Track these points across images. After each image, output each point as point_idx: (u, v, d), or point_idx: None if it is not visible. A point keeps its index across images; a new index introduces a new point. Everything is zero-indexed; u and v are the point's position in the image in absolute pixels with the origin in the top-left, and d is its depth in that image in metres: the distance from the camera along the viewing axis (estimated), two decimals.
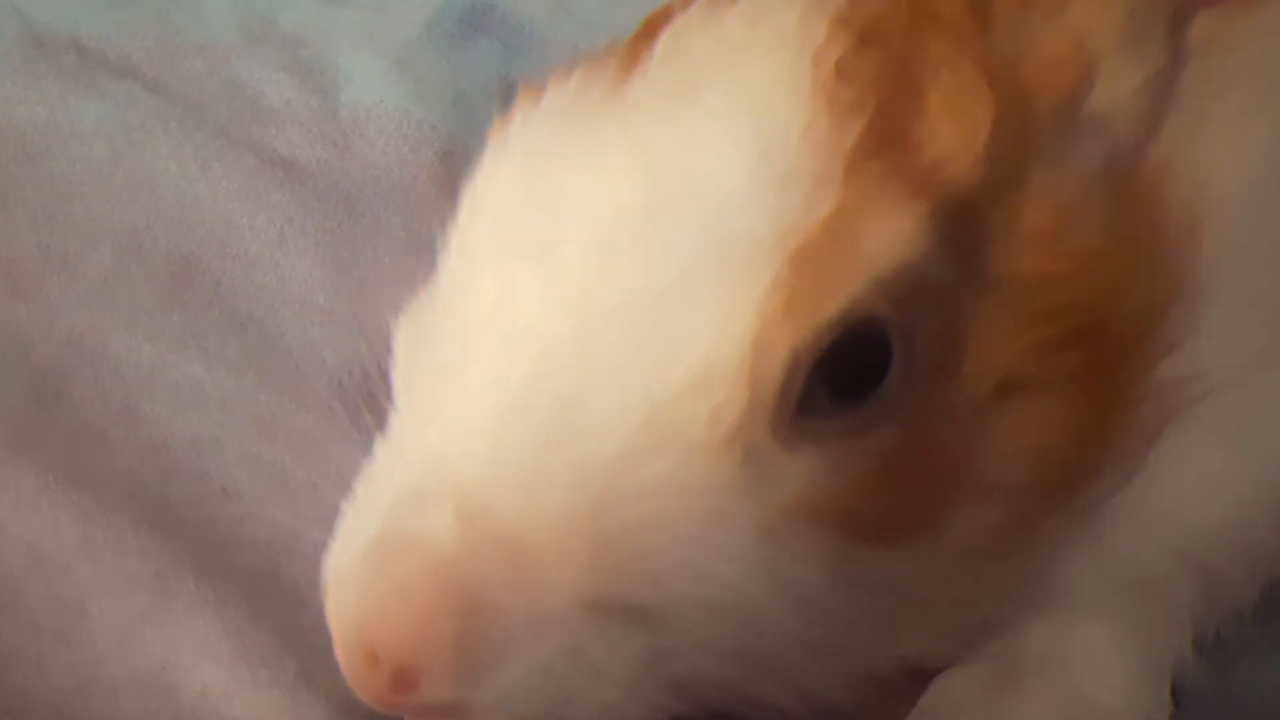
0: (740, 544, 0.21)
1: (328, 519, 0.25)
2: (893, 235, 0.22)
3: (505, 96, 0.41)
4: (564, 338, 0.22)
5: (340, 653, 0.22)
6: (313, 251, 0.33)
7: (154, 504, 0.27)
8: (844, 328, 0.21)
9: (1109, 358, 0.24)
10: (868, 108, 0.22)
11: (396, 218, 0.35)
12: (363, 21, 0.41)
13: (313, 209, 0.34)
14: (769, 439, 0.21)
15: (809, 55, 0.23)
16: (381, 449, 0.24)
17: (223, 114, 0.36)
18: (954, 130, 0.23)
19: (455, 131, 0.37)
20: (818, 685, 0.23)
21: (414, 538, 0.21)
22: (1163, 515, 0.25)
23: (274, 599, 0.26)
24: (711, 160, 0.22)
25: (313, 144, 0.36)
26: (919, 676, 0.25)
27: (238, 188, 0.34)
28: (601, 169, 0.23)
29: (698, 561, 0.21)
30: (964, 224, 0.23)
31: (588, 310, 0.22)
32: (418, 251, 0.34)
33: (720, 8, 0.24)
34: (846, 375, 0.22)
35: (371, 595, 0.21)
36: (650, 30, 0.25)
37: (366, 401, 0.30)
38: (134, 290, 0.31)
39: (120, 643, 0.24)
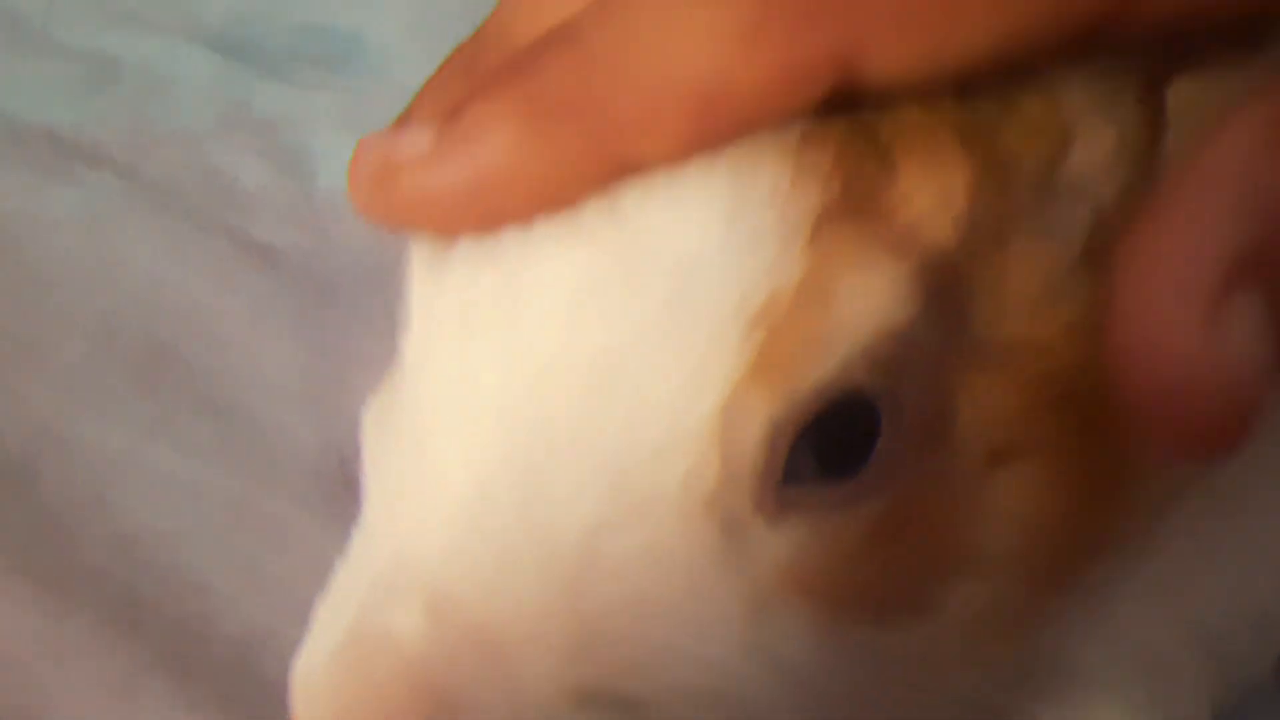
0: (725, 620, 0.20)
1: (302, 614, 0.24)
2: (873, 296, 0.21)
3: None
4: (525, 411, 0.21)
5: None
6: (289, 335, 0.33)
7: (123, 600, 0.26)
8: (829, 398, 0.21)
9: (1104, 426, 0.23)
10: (837, 171, 0.22)
11: (375, 300, 0.34)
12: (337, 105, 0.41)
13: (289, 293, 0.34)
14: (751, 510, 0.21)
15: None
16: (357, 541, 0.23)
17: (197, 200, 0.36)
18: (930, 192, 0.22)
19: None
20: None
21: (383, 636, 0.20)
22: (1172, 589, 0.25)
23: (245, 697, 0.25)
24: (679, 225, 0.22)
25: (289, 229, 0.36)
26: None
27: (211, 273, 0.34)
28: (564, 235, 0.22)
29: (681, 641, 0.20)
30: (947, 286, 0.22)
31: (550, 381, 0.21)
32: (396, 336, 0.34)
33: None
34: (833, 445, 0.21)
35: (339, 696, 0.20)
36: None
37: (345, 490, 0.30)
38: (105, 378, 0.31)
39: None
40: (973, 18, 0.20)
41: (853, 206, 0.22)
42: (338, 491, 0.30)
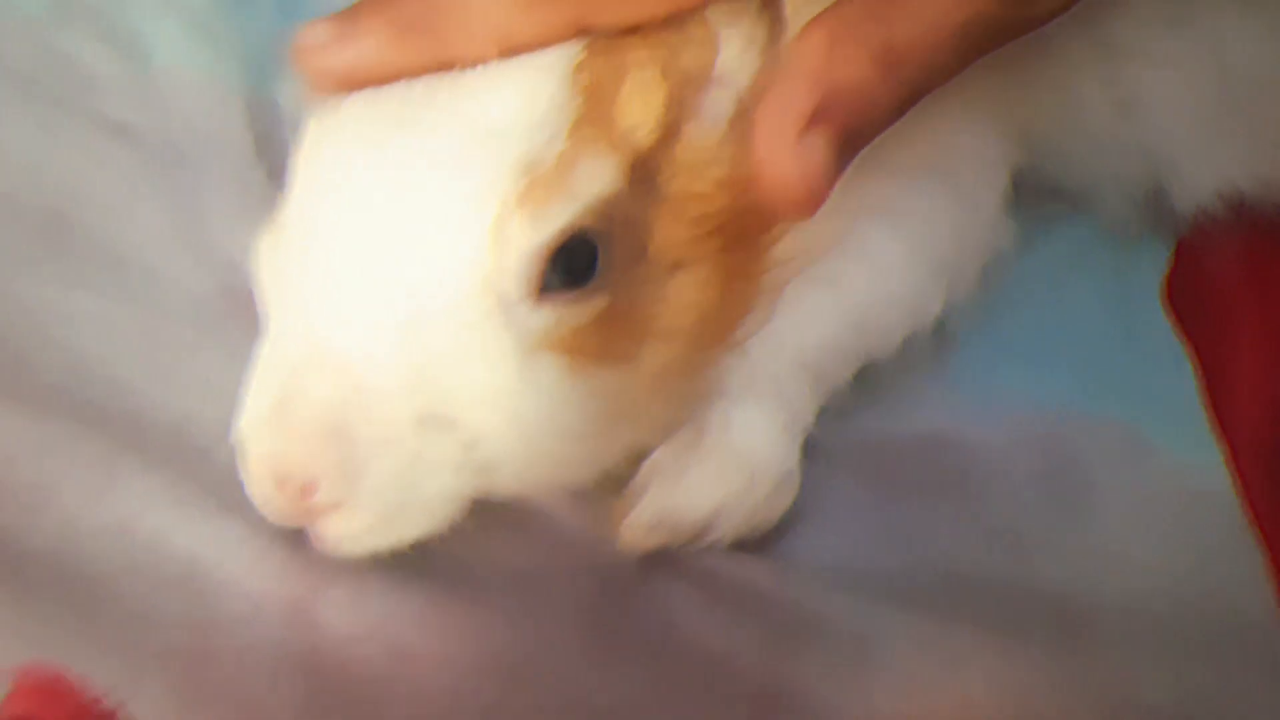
0: (505, 362, 0.32)
1: (213, 401, 0.35)
2: (599, 174, 0.33)
3: (285, 48, 0.49)
4: (387, 235, 0.32)
5: (255, 483, 0.33)
6: (155, 197, 0.41)
7: (84, 406, 0.36)
8: (567, 234, 0.33)
9: (740, 244, 0.36)
10: (590, 90, 0.33)
11: (218, 164, 0.43)
12: None
13: (147, 163, 0.42)
14: (521, 296, 0.32)
15: (565, 56, 0.33)
16: (268, 337, 0.33)
17: (53, 84, 0.43)
18: (639, 107, 0.34)
19: (251, 83, 0.46)
20: (572, 471, 0.36)
21: (303, 396, 0.32)
22: (783, 338, 0.38)
23: (190, 462, 0.36)
24: (494, 106, 0.33)
25: (137, 107, 0.43)
26: (636, 461, 0.38)
27: (81, 150, 0.41)
28: (418, 103, 0.33)
29: (478, 377, 0.32)
30: (643, 165, 0.34)
31: (404, 216, 0.32)
32: (242, 191, 0.43)
33: None
34: (571, 264, 0.33)
35: (278, 439, 0.32)
36: None
37: (225, 313, 0.40)
38: (18, 245, 0.39)
39: (86, 505, 0.33)
40: (649, 3, 0.32)
41: (594, 115, 0.33)
42: (222, 314, 0.40)
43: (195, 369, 0.38)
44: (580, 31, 0.33)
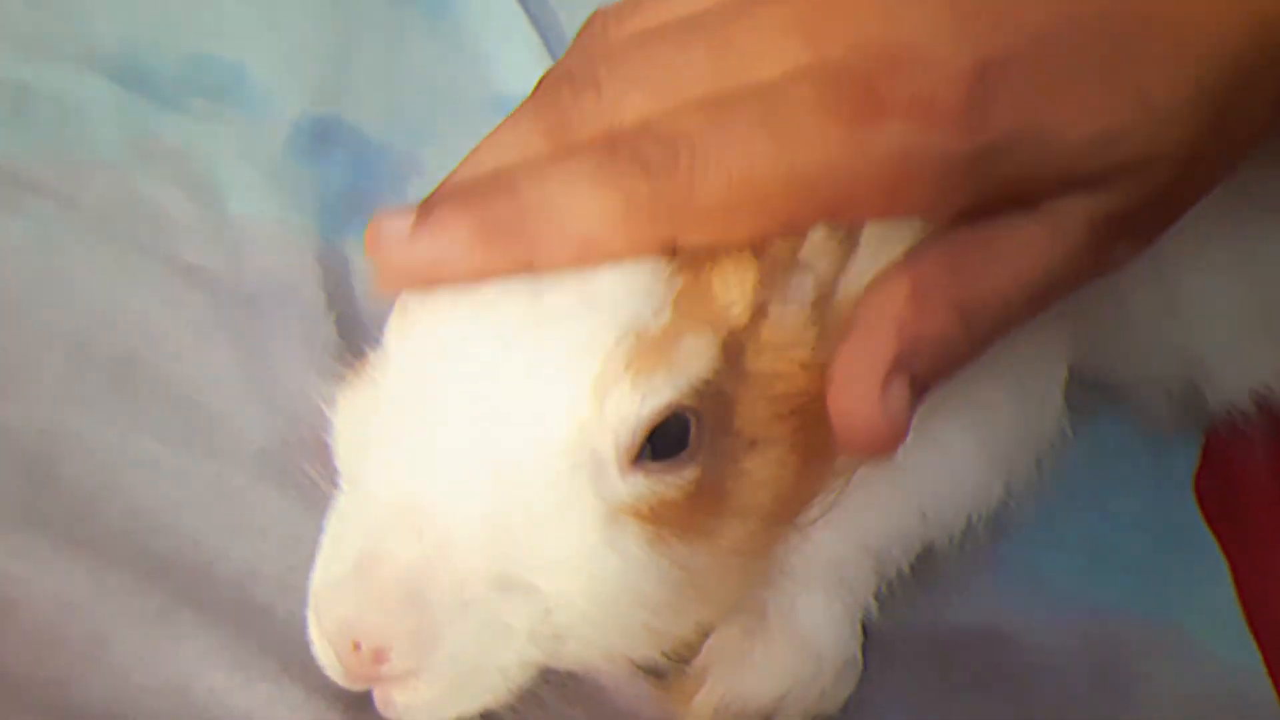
0: (590, 531, 0.32)
1: (275, 556, 0.34)
2: (700, 352, 0.33)
3: (357, 201, 0.50)
4: (485, 388, 0.32)
5: (327, 645, 0.32)
6: (225, 344, 0.42)
7: (144, 555, 0.35)
8: (671, 410, 0.33)
9: (816, 425, 0.36)
10: (690, 266, 0.33)
11: (289, 312, 0.44)
12: (232, 136, 0.48)
13: (220, 308, 0.42)
14: (615, 465, 0.32)
15: None
16: (345, 495, 0.33)
17: (131, 226, 0.44)
18: (734, 288, 0.34)
19: (324, 233, 0.47)
20: (641, 643, 0.35)
21: (386, 556, 0.31)
22: (848, 520, 0.38)
23: (250, 617, 0.35)
24: (597, 276, 0.32)
25: (211, 251, 0.44)
26: (704, 635, 0.37)
27: (155, 292, 0.42)
28: (507, 291, 0.32)
29: (563, 543, 0.32)
30: (734, 344, 0.35)
31: (502, 368, 0.32)
32: (312, 341, 0.43)
33: None
34: (665, 436, 0.33)
35: (357, 600, 0.31)
36: None
37: (290, 463, 0.39)
38: (87, 385, 0.39)
39: (141, 660, 0.33)
40: (741, 230, 0.32)
41: (694, 290, 0.34)
42: (285, 465, 0.39)
43: (258, 520, 0.38)
44: (667, 249, 0.33)
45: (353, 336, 0.42)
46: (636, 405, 0.32)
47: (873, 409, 0.32)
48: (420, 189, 0.49)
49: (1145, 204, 0.33)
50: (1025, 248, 0.32)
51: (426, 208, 0.31)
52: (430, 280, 0.32)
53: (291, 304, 0.44)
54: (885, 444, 0.32)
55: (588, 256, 0.31)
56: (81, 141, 0.46)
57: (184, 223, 0.45)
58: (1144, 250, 0.35)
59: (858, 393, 0.32)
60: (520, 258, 0.31)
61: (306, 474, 0.36)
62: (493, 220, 0.31)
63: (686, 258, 0.34)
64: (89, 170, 0.45)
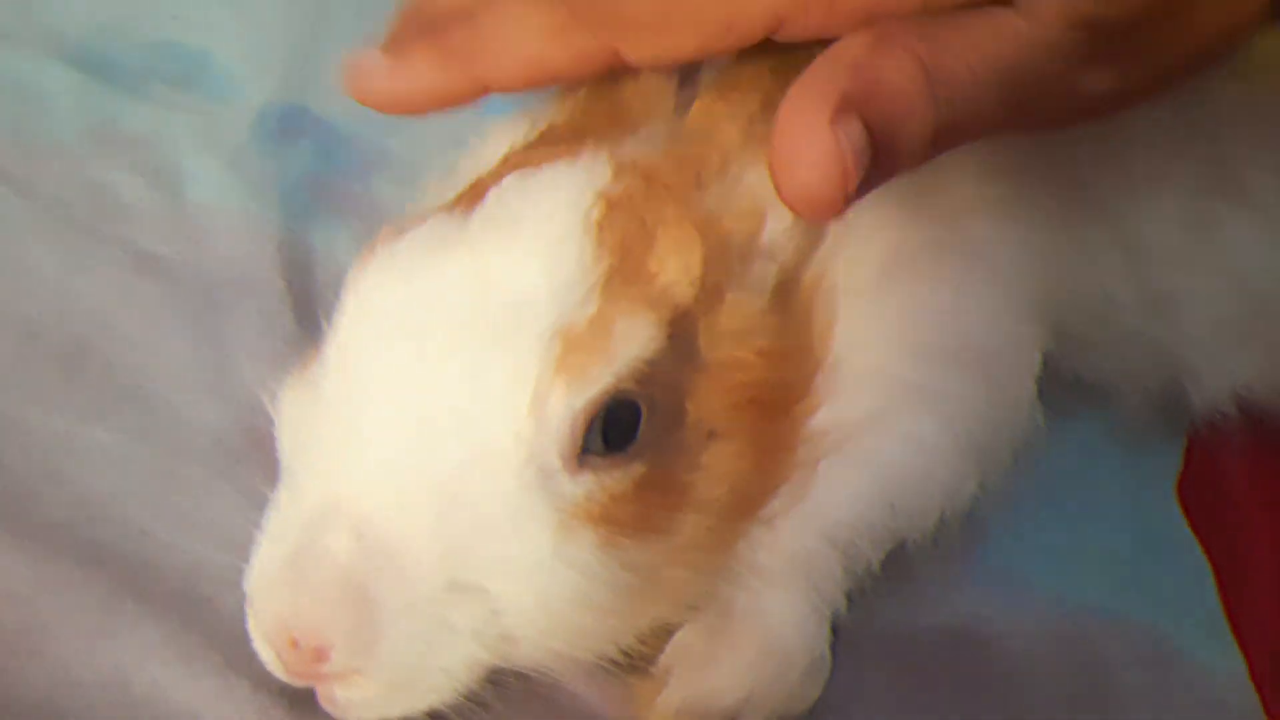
0: (541, 535, 0.31)
1: (224, 548, 0.33)
2: (636, 334, 0.32)
3: (322, 191, 0.49)
4: (416, 397, 0.31)
5: (265, 642, 0.31)
6: (180, 334, 0.41)
7: (88, 545, 0.34)
8: (607, 396, 0.32)
9: (777, 415, 0.35)
10: (619, 248, 0.33)
11: (247, 302, 0.43)
12: (195, 125, 0.48)
13: (175, 296, 0.42)
14: (559, 466, 0.31)
15: (584, 214, 0.33)
16: (283, 488, 0.32)
17: (86, 213, 0.43)
18: (677, 265, 0.34)
19: (286, 224, 0.46)
20: (595, 644, 0.34)
21: (322, 553, 0.30)
22: (815, 514, 0.37)
23: (195, 610, 0.34)
24: (521, 277, 0.32)
25: (168, 239, 0.43)
26: (665, 634, 0.36)
27: (110, 280, 0.41)
28: (450, 282, 0.32)
29: (513, 548, 0.31)
30: (683, 328, 0.34)
31: (438, 380, 0.31)
32: (269, 332, 0.42)
33: (529, 178, 0.34)
34: (612, 428, 0.32)
35: (292, 597, 0.30)
36: (479, 189, 0.34)
37: (243, 455, 0.39)
38: (36, 372, 0.38)
39: (82, 654, 0.32)
40: (680, 37, 0.32)
41: (627, 272, 0.33)
42: (240, 456, 0.38)
43: (207, 513, 0.37)
44: (612, 62, 0.33)
45: (312, 327, 0.41)
46: (570, 401, 0.31)
47: (817, 148, 0.28)
48: (387, 180, 0.49)
49: (1124, 22, 0.30)
50: (999, 31, 0.30)
51: (398, 42, 0.34)
52: (401, 106, 0.34)
53: (250, 294, 0.43)
54: (828, 194, 0.28)
55: (536, 75, 0.33)
56: (40, 127, 0.45)
57: (143, 210, 0.44)
58: (1117, 106, 0.33)
59: (800, 129, 0.28)
60: (476, 79, 0.33)
61: (257, 467, 0.35)
62: (452, 45, 0.33)
63: (615, 240, 0.33)
64: (47, 156, 0.44)
